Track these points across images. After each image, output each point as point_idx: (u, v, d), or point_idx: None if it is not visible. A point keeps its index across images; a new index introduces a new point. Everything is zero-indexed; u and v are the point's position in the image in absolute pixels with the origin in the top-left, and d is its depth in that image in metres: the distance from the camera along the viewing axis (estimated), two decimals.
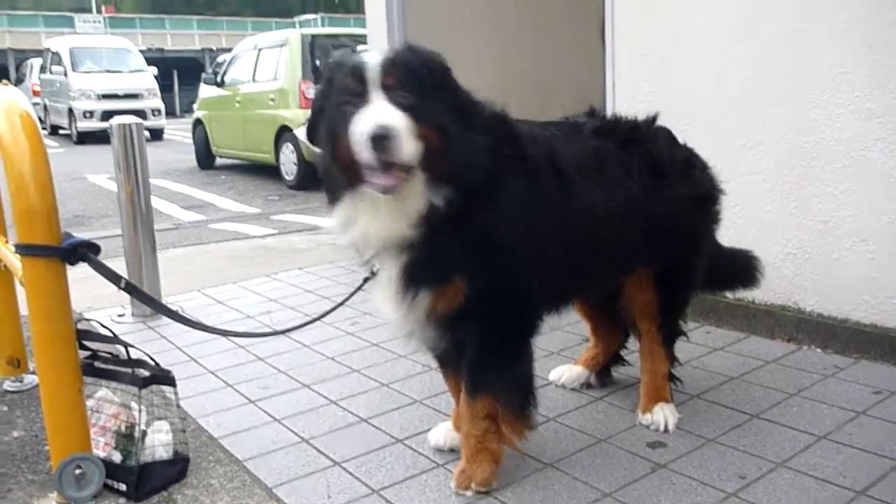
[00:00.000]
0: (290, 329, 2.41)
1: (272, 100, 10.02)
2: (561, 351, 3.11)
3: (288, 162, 9.84)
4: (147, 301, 2.53)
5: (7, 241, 2.82)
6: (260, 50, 10.73)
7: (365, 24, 5.39)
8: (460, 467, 2.11)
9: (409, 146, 1.76)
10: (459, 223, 1.90)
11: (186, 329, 3.61)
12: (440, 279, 1.95)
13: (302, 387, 2.90)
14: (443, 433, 2.35)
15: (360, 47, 9.44)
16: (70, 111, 18.73)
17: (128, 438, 2.20)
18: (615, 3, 3.58)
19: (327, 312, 2.31)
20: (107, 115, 14.96)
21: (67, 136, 19.37)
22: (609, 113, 2.68)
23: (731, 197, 3.13)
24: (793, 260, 3.10)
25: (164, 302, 3.98)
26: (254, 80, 10.65)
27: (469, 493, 2.07)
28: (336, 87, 1.89)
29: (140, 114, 16.31)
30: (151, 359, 2.34)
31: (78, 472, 2.03)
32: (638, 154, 2.33)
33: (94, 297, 4.12)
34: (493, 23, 5.49)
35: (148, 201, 3.90)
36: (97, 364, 2.32)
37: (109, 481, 2.14)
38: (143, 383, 2.22)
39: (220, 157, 12.27)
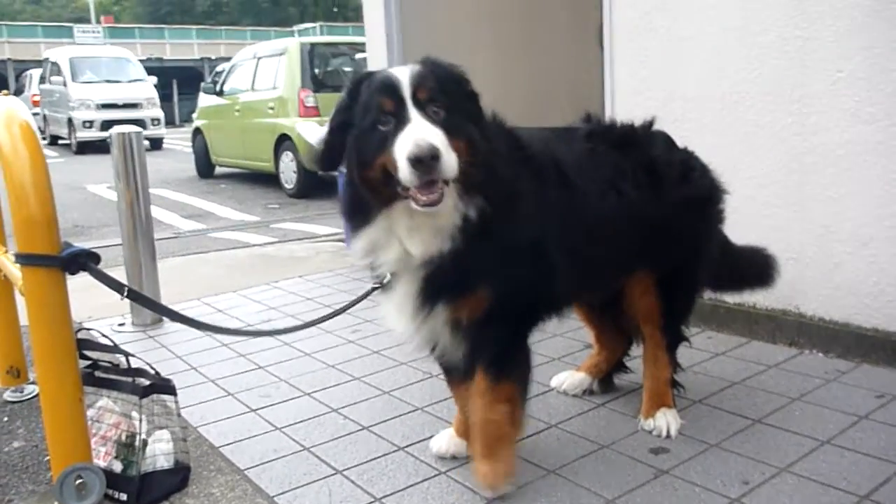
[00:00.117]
0: (299, 327, 2.42)
1: (271, 108, 10.03)
2: (562, 357, 3.11)
3: (287, 170, 9.86)
4: (151, 306, 2.53)
5: (7, 251, 2.82)
6: (259, 59, 10.75)
7: (363, 33, 5.41)
8: (483, 469, 2.07)
9: (451, 163, 1.75)
10: (481, 231, 1.90)
11: (187, 338, 3.64)
12: (464, 289, 1.96)
13: (303, 395, 2.89)
14: (445, 440, 2.34)
15: (358, 55, 9.47)
16: (70, 121, 18.76)
17: (128, 448, 2.19)
18: (613, 9, 3.59)
19: (338, 312, 2.39)
20: (106, 125, 15.00)
21: (67, 146, 19.39)
22: (608, 119, 2.68)
23: (730, 201, 3.14)
24: (794, 264, 3.09)
25: None
26: (253, 88, 10.68)
27: (502, 489, 2.07)
28: (364, 105, 1.86)
29: (139, 123, 16.39)
30: (152, 368, 2.33)
31: (79, 482, 2.02)
32: (634, 157, 2.34)
33: (94, 307, 4.11)
34: (491, 30, 5.49)
35: (148, 211, 3.90)
36: (97, 373, 2.31)
37: (110, 491, 2.13)
38: (144, 392, 2.22)
39: (220, 165, 12.29)
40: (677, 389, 2.57)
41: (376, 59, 5.16)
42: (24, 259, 1.95)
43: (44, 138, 20.67)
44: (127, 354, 2.30)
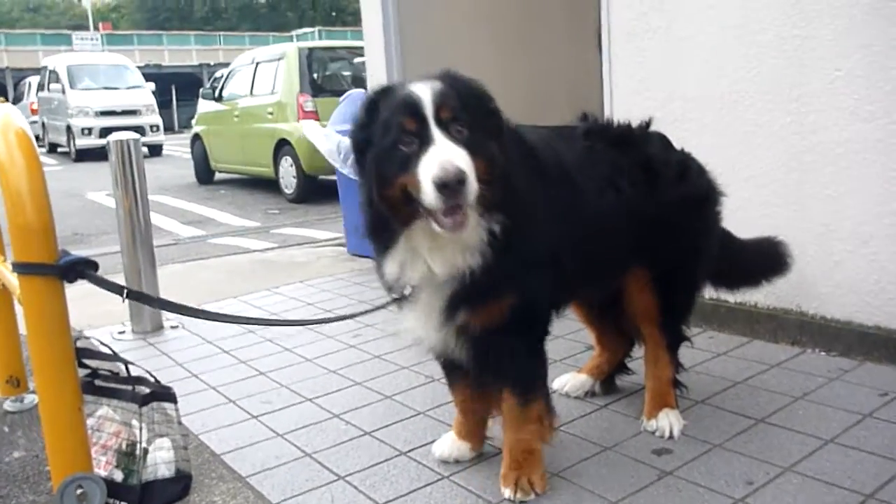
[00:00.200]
0: (324, 321, 2.44)
1: (270, 113, 10.04)
2: (564, 359, 3.09)
3: (287, 175, 9.86)
4: (154, 303, 2.52)
5: (5, 260, 2.81)
6: (257, 64, 10.75)
7: (362, 37, 5.41)
8: (513, 476, 2.08)
9: (475, 187, 1.73)
10: (504, 245, 1.90)
11: (187, 345, 3.64)
12: (487, 299, 1.95)
13: (304, 401, 2.88)
14: (447, 445, 2.33)
15: (357, 59, 9.47)
16: (68, 128, 18.79)
17: (129, 457, 2.18)
18: (611, 10, 3.58)
19: (359, 314, 2.47)
20: (105, 132, 15.00)
21: (66, 154, 19.42)
22: (605, 118, 2.69)
23: (729, 201, 3.12)
24: (794, 263, 3.07)
25: (163, 319, 3.97)
26: (251, 94, 10.68)
27: (531, 497, 2.07)
28: (384, 123, 1.83)
29: (138, 130, 16.27)
30: (152, 376, 2.32)
31: (79, 491, 2.01)
32: (631, 155, 2.35)
33: (93, 315, 4.10)
34: (489, 32, 5.50)
35: (147, 217, 3.90)
36: (97, 382, 2.30)
37: (111, 500, 2.12)
38: (144, 401, 2.21)
39: (219, 171, 12.30)
40: (680, 390, 2.56)
41: (375, 62, 5.16)
42: (22, 268, 1.94)
43: (42, 146, 20.69)
44: (126, 362, 2.29)
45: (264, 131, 10.10)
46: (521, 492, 2.07)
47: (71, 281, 1.96)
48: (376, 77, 5.14)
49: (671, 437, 2.38)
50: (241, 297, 4.50)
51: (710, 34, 3.24)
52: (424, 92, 1.80)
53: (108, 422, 2.25)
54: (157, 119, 19.53)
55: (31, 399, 3.00)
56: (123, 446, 2.20)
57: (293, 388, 3.02)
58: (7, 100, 2.95)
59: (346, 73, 10.46)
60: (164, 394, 2.28)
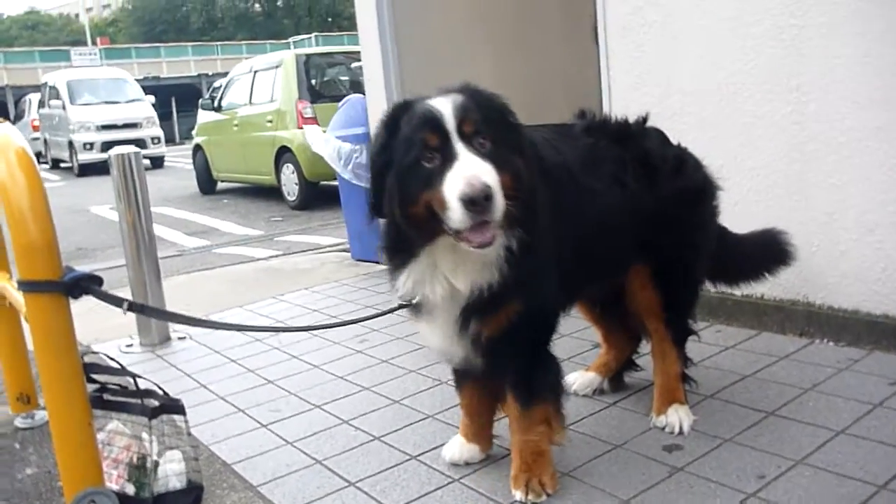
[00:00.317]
0: (333, 325, 2.46)
1: (270, 121, 10.05)
2: (571, 357, 3.09)
3: (289, 182, 9.87)
4: (156, 314, 2.52)
5: (10, 278, 2.82)
6: (255, 72, 10.77)
7: (357, 42, 5.41)
8: (523, 478, 2.08)
9: (502, 202, 1.71)
10: (521, 259, 1.90)
11: (195, 356, 3.64)
12: (499, 305, 1.95)
13: (313, 408, 2.88)
14: (457, 448, 2.33)
15: (354, 64, 9.49)
16: (70, 144, 18.84)
17: (140, 470, 2.18)
18: (606, 5, 3.58)
19: (369, 318, 2.48)
20: (107, 146, 15.04)
21: (69, 169, 19.47)
22: (603, 115, 2.69)
23: (732, 194, 3.13)
24: (799, 254, 3.05)
25: (170, 330, 3.98)
26: (250, 102, 10.70)
27: (543, 498, 2.07)
28: (405, 140, 1.81)
29: (140, 143, 16.45)
30: (160, 388, 2.33)
31: None
32: (630, 150, 2.36)
33: (101, 329, 4.11)
34: (485, 32, 5.49)
35: (150, 230, 3.90)
36: (106, 397, 2.30)
37: None
38: (153, 413, 2.21)
39: (221, 181, 12.32)
40: (689, 384, 2.55)
41: (371, 66, 5.16)
42: (27, 286, 1.95)
43: (45, 162, 20.76)
44: (134, 376, 2.29)
45: (265, 139, 10.11)
46: (533, 493, 2.06)
47: (76, 297, 1.97)
48: (374, 81, 5.15)
49: (681, 432, 2.37)
50: (246, 306, 4.51)
51: (706, 26, 3.23)
52: (445, 106, 1.79)
53: (118, 436, 2.26)
54: (158, 131, 19.58)
55: (41, 415, 3.00)
56: (134, 459, 2.20)
57: (301, 395, 3.02)
58: (8, 118, 2.95)
59: (344, 79, 10.48)
60: (172, 406, 2.28)
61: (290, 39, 39.34)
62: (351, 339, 3.64)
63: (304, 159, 9.15)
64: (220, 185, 12.58)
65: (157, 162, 19.16)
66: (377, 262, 5.37)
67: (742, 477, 2.09)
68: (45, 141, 20.95)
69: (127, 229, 3.85)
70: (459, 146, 1.74)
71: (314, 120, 9.15)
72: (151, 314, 3.60)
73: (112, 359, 2.44)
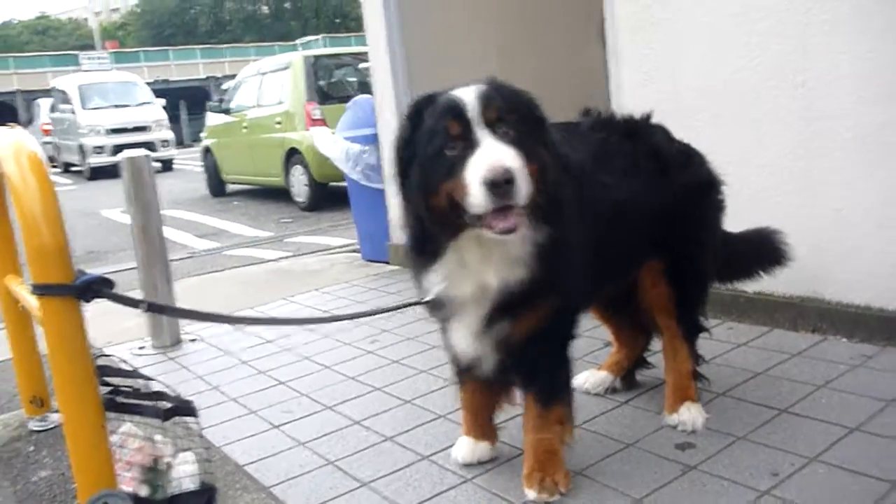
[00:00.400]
0: (352, 316, 2.46)
1: (278, 123, 10.07)
2: (583, 356, 3.08)
3: (298, 184, 9.89)
4: (174, 312, 2.53)
5: (23, 282, 2.83)
6: (264, 74, 10.80)
7: (365, 42, 5.42)
8: (537, 477, 2.08)
9: (526, 186, 1.69)
10: (551, 255, 1.89)
11: (207, 358, 3.66)
12: (527, 308, 1.94)
13: (325, 408, 2.89)
14: (468, 448, 2.33)
15: (362, 65, 9.50)
16: (81, 148, 18.95)
17: (154, 471, 2.19)
18: (614, 4, 3.57)
19: (387, 309, 2.42)
20: (117, 150, 15.06)
21: (80, 173, 19.57)
22: (617, 113, 2.69)
23: (742, 190, 3.12)
24: (811, 250, 3.05)
25: (182, 333, 4.00)
26: (259, 104, 10.73)
27: (556, 497, 2.06)
28: (428, 130, 1.80)
29: (149, 146, 16.51)
30: (172, 390, 2.33)
31: None
32: (639, 145, 2.36)
33: (113, 332, 4.14)
34: (492, 34, 5.49)
35: (160, 233, 3.92)
36: (119, 399, 2.31)
37: None
38: (166, 416, 2.21)
39: (231, 183, 12.35)
40: (701, 382, 2.54)
41: (379, 67, 5.17)
42: (39, 289, 1.96)
43: (56, 166, 20.88)
44: (146, 378, 2.30)
45: (273, 141, 10.14)
46: (546, 492, 2.06)
47: (88, 300, 1.98)
48: (381, 82, 5.15)
49: (693, 430, 2.37)
50: (257, 308, 4.52)
51: (711, 23, 3.22)
52: (468, 95, 1.78)
53: (131, 438, 2.27)
54: (167, 134, 19.68)
55: (54, 418, 3.02)
56: (147, 462, 2.21)
57: (313, 396, 3.02)
58: (18, 122, 2.97)
59: (352, 80, 10.48)
60: (184, 408, 2.28)
61: (298, 41, 39.38)
62: (362, 340, 3.64)
63: (312, 161, 9.16)
64: (230, 188, 12.61)
65: (167, 165, 19.24)
66: (387, 263, 5.38)
67: (755, 474, 2.08)
68: (56, 145, 21.07)
69: (138, 232, 3.86)
70: (482, 133, 1.73)
71: (322, 121, 9.17)
72: (170, 313, 3.63)
73: (124, 361, 2.45)
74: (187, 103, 32.70)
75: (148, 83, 23.34)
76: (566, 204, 1.92)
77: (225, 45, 45.66)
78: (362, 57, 9.63)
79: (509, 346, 2.01)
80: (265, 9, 58.47)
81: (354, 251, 6.00)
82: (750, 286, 3.23)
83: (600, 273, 2.20)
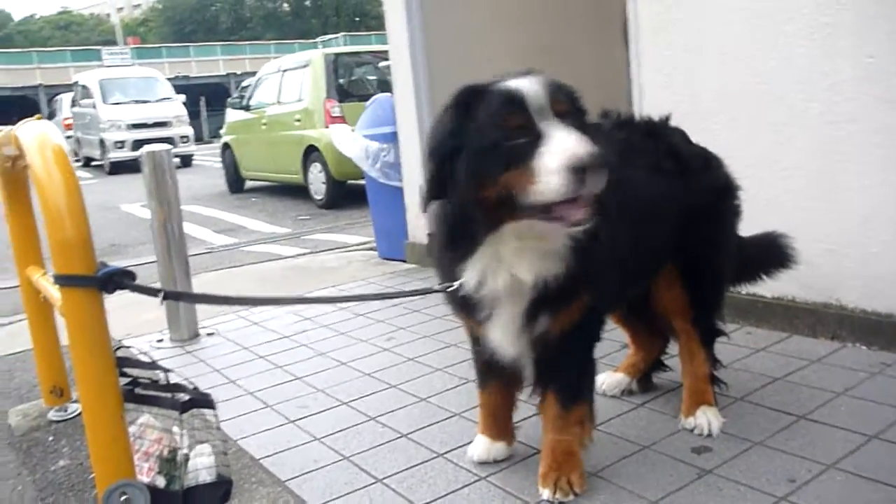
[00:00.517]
0: (370, 297, 2.42)
1: (298, 120, 10.11)
2: (600, 358, 3.06)
3: (316, 181, 9.93)
4: (194, 299, 2.55)
5: (45, 273, 2.87)
6: (284, 72, 10.85)
7: (386, 41, 5.43)
8: (552, 477, 2.08)
9: (603, 175, 1.65)
10: (586, 250, 1.87)
11: (224, 352, 3.68)
12: (570, 299, 1.93)
13: (340, 404, 2.90)
14: (484, 447, 2.32)
15: (382, 63, 9.52)
16: (102, 142, 19.10)
17: (171, 463, 2.21)
18: (638, 4, 3.56)
19: (404, 294, 2.42)
20: (137, 145, 15.24)
21: (100, 167, 19.74)
22: (637, 114, 2.68)
23: (763, 194, 3.10)
24: (831, 256, 3.03)
25: (199, 327, 4.03)
26: (279, 101, 10.77)
27: (571, 498, 2.06)
28: (487, 121, 1.74)
29: (169, 141, 16.55)
30: (190, 383, 2.35)
31: (123, 498, 2.03)
32: (660, 146, 2.35)
33: (132, 325, 4.17)
34: (514, 33, 5.48)
35: (180, 227, 3.95)
36: (138, 390, 2.33)
37: None
38: (184, 408, 2.23)
39: (250, 179, 12.42)
40: (718, 386, 2.53)
41: (400, 66, 5.18)
42: (62, 280, 1.98)
43: (77, 160, 21.07)
44: (165, 370, 2.32)
45: (292, 138, 10.18)
46: (561, 492, 2.06)
47: (110, 292, 1.99)
48: (402, 81, 5.16)
49: (710, 434, 2.35)
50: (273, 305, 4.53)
51: (738, 25, 3.20)
52: (533, 85, 1.75)
53: (149, 429, 2.28)
54: (187, 130, 19.79)
55: (74, 408, 3.06)
56: (165, 453, 2.22)
57: (329, 392, 3.04)
58: (42, 116, 3.01)
59: (372, 78, 10.51)
60: (203, 400, 2.30)
61: (318, 39, 39.57)
62: (378, 337, 3.65)
63: (331, 158, 9.19)
64: (248, 184, 12.68)
65: (186, 160, 19.35)
66: (403, 261, 5.39)
67: (772, 480, 2.07)
68: (78, 140, 21.25)
69: (158, 226, 3.89)
70: (548, 123, 1.69)
71: (342, 119, 9.20)
72: (187, 299, 3.66)
73: (144, 353, 2.47)
74: (207, 99, 32.88)
75: (168, 79, 23.48)
76: (604, 200, 1.90)
77: (245, 42, 45.91)
78: (382, 55, 9.66)
79: (544, 344, 1.99)
80: (286, 6, 58.74)
81: (371, 249, 6.02)
82: (769, 291, 3.22)
83: (629, 274, 2.19)
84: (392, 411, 2.79)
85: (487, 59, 5.07)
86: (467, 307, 1.99)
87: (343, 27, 48.67)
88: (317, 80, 9.86)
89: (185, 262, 3.98)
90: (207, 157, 20.74)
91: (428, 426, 2.63)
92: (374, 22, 47.11)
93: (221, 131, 13.27)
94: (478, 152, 1.74)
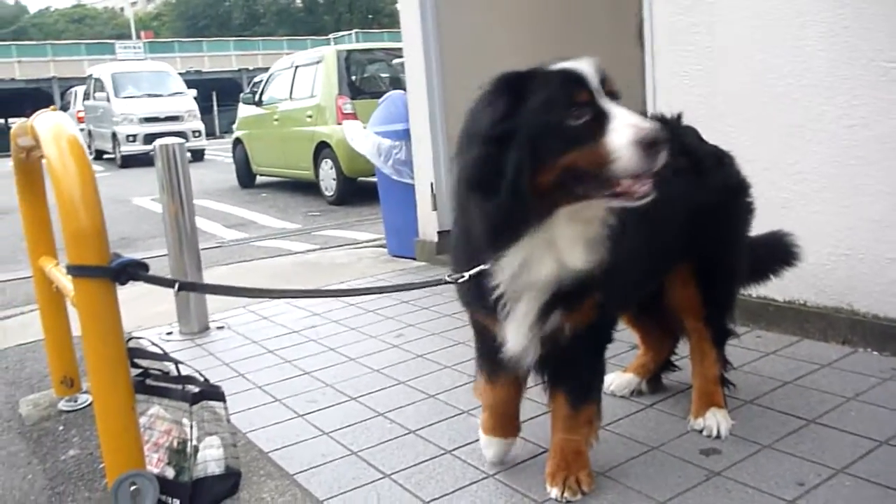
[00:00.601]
0: (381, 290, 2.45)
1: (310, 117, 10.13)
2: (609, 358, 3.05)
3: (327, 178, 9.94)
4: (208, 289, 2.56)
5: (58, 264, 2.88)
6: (296, 68, 10.86)
7: (399, 38, 5.44)
8: (560, 476, 2.08)
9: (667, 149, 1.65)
10: (616, 241, 1.85)
11: (233, 346, 3.69)
12: (582, 299, 1.91)
13: (349, 399, 2.91)
14: (500, 447, 2.27)
15: (395, 61, 9.53)
16: (114, 136, 19.18)
17: (180, 454, 2.22)
18: (653, 5, 3.55)
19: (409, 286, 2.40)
20: (149, 139, 15.31)
21: (112, 161, 19.82)
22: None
23: (778, 197, 3.09)
24: (845, 261, 3.02)
25: (210, 320, 4.04)
26: (291, 97, 10.79)
27: (578, 497, 2.06)
28: (545, 102, 1.70)
29: (181, 136, 16.60)
30: (201, 375, 2.36)
31: (133, 488, 2.05)
32: (673, 145, 2.32)
33: (142, 317, 4.19)
34: (529, 33, 5.48)
35: (192, 221, 3.96)
36: (148, 382, 2.35)
37: (163, 497, 2.16)
38: (194, 399, 2.25)
39: (260, 175, 12.45)
40: (727, 388, 2.52)
41: (413, 63, 5.18)
42: (76, 270, 1.99)
43: (90, 153, 21.13)
44: (176, 362, 2.33)
45: (304, 134, 10.20)
46: (569, 491, 2.06)
47: (123, 283, 2.00)
48: (415, 79, 5.17)
49: (719, 436, 2.35)
50: (284, 299, 4.54)
51: (756, 28, 3.19)
52: (587, 66, 1.73)
53: (159, 420, 2.30)
54: (199, 124, 19.86)
55: (84, 399, 3.07)
56: (175, 444, 2.24)
57: (338, 387, 3.04)
58: (56, 107, 3.03)
59: (384, 75, 10.52)
60: (212, 393, 2.31)
61: (331, 36, 39.62)
62: (387, 334, 3.66)
63: (342, 155, 9.21)
64: (259, 179, 12.71)
65: (198, 155, 19.41)
66: (413, 259, 5.40)
67: (781, 484, 2.06)
68: (90, 132, 21.35)
69: (170, 220, 3.91)
70: (608, 103, 1.69)
71: (353, 115, 9.20)
72: (202, 290, 3.67)
73: (155, 344, 2.48)
74: (219, 95, 32.99)
75: (181, 73, 23.59)
76: None
77: (258, 38, 46.03)
78: (395, 52, 9.67)
79: (556, 342, 1.98)
80: (299, 3, 58.85)
81: (381, 246, 6.02)
82: (780, 294, 3.21)
83: (641, 272, 2.18)
84: (400, 407, 2.79)
85: (501, 58, 5.06)
86: (483, 300, 1.95)
87: (356, 24, 48.74)
88: (329, 76, 9.87)
89: (197, 255, 4.00)
90: (219, 152, 20.81)
91: (436, 423, 2.63)
92: (386, 19, 47.22)
93: (233, 126, 13.30)
94: (539, 133, 1.69)
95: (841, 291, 3.06)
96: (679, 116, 2.46)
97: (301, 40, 41.22)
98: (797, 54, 3.06)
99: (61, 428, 2.92)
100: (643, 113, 2.46)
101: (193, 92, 20.94)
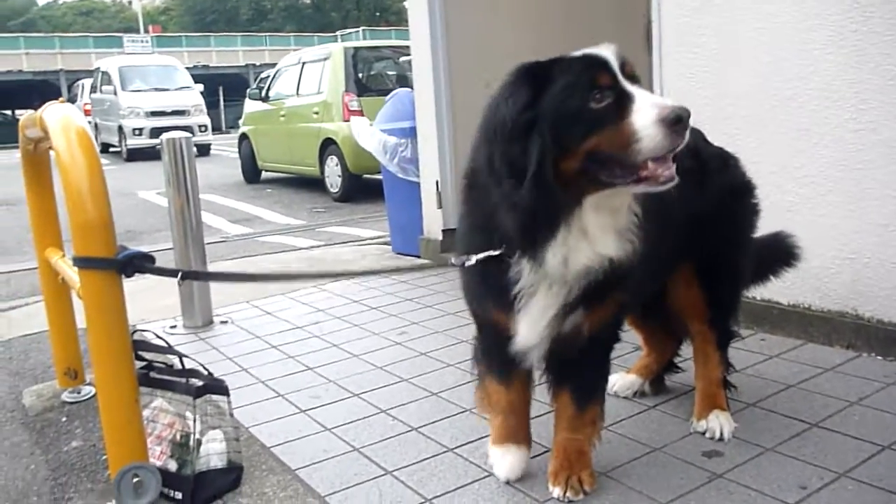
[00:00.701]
0: (380, 272, 2.42)
1: (316, 113, 10.13)
2: (613, 359, 3.06)
3: (332, 174, 9.95)
4: (211, 277, 2.56)
5: (64, 255, 2.89)
6: (303, 64, 10.87)
7: (406, 36, 5.43)
8: (563, 475, 2.08)
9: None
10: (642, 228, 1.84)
11: (237, 340, 3.70)
12: (602, 297, 1.88)
13: (352, 396, 2.91)
14: (518, 459, 2.19)
15: (402, 58, 9.53)
16: (120, 129, 19.20)
17: (183, 447, 2.23)
18: (662, 7, 3.54)
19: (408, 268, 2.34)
20: (155, 132, 15.33)
21: (118, 154, 19.83)
22: None
23: (784, 200, 3.09)
24: (850, 265, 3.01)
25: (214, 314, 4.05)
26: (298, 94, 10.80)
27: (581, 497, 2.06)
28: (567, 87, 1.68)
29: (187, 130, 16.61)
30: (205, 369, 2.37)
31: (136, 480, 2.06)
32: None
33: (147, 310, 4.20)
34: (535, 35, 5.46)
35: (198, 215, 3.97)
36: (152, 374, 2.35)
37: (166, 489, 2.17)
38: (197, 393, 2.25)
39: (266, 170, 12.46)
40: (730, 391, 2.52)
41: (421, 62, 5.18)
42: (82, 262, 2.00)
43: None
44: (181, 355, 2.34)
45: (310, 131, 10.20)
46: (572, 490, 2.06)
47: (129, 275, 2.01)
48: (422, 77, 5.16)
49: (721, 438, 2.35)
50: (288, 294, 4.55)
51: (764, 30, 3.18)
52: (607, 51, 1.73)
53: (162, 413, 2.31)
54: (205, 119, 19.86)
55: (87, 390, 3.08)
56: (177, 437, 2.24)
57: (341, 383, 3.05)
58: (65, 98, 3.04)
59: (391, 73, 10.52)
60: (216, 387, 2.32)
61: (338, 32, 39.63)
62: (391, 331, 3.66)
63: (348, 152, 9.21)
64: (265, 175, 12.72)
65: (204, 150, 19.40)
66: (418, 256, 5.40)
67: (783, 487, 2.06)
68: (97, 125, 21.38)
69: (175, 213, 3.92)
70: (629, 85, 1.68)
71: (360, 112, 9.19)
72: (204, 278, 3.68)
73: (159, 337, 2.49)
74: (226, 90, 33.02)
75: (188, 68, 23.61)
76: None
77: (265, 34, 46.05)
78: (402, 50, 9.68)
79: (569, 341, 1.94)
80: None
81: (385, 243, 6.03)
82: (784, 298, 3.21)
83: (650, 272, 2.16)
84: (403, 405, 2.79)
85: (508, 58, 5.06)
86: (495, 292, 1.92)
87: (363, 21, 48.75)
88: (336, 73, 9.87)
89: (202, 249, 4.01)
90: (224, 147, 20.82)
91: (439, 421, 2.63)
92: (394, 17, 47.20)
93: (239, 121, 13.31)
94: (562, 119, 1.67)
95: (845, 295, 3.05)
96: None
97: (308, 37, 41.28)
98: (805, 57, 3.06)
99: (64, 419, 2.93)
100: None
101: (200, 87, 20.95)
